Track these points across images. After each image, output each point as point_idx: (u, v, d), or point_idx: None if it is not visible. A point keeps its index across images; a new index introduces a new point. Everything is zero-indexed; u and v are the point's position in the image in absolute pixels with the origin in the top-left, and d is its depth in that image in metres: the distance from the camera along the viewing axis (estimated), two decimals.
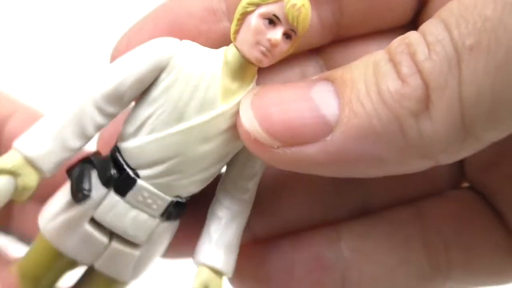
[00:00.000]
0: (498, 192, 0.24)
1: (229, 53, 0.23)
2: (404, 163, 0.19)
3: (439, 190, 0.26)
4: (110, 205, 0.22)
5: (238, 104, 0.22)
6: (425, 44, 0.17)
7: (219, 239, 0.24)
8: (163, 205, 0.23)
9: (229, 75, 0.23)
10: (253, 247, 0.26)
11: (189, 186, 0.23)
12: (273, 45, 0.22)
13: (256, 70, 0.23)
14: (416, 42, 0.18)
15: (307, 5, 0.22)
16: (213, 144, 0.22)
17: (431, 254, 0.24)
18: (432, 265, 0.24)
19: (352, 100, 0.18)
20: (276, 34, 0.22)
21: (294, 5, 0.22)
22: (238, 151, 0.24)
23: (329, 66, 0.26)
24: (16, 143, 0.21)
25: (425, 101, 0.17)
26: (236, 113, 0.22)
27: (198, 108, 0.22)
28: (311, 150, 0.19)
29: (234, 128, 0.22)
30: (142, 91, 0.23)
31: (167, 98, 0.22)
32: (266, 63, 0.22)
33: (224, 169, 0.25)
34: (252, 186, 0.24)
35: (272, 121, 0.19)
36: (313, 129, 0.19)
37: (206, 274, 0.23)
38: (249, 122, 0.20)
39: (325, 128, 0.19)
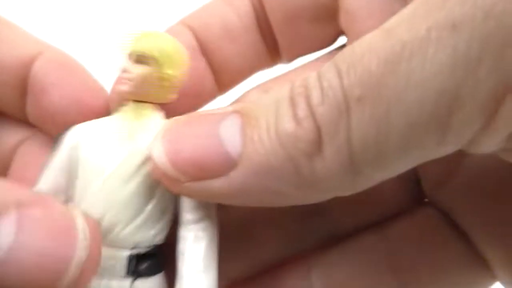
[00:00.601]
0: (454, 206, 0.25)
1: (123, 108, 0.24)
2: (303, 197, 0.20)
3: (403, 209, 0.26)
4: None
5: (147, 136, 0.23)
6: (320, 88, 0.18)
7: (189, 269, 0.23)
8: (123, 262, 0.23)
9: (132, 120, 0.24)
10: None
11: (136, 233, 0.23)
12: (124, 72, 0.24)
13: (158, 106, 0.25)
14: (312, 86, 0.19)
15: (152, 32, 0.24)
16: (135, 181, 0.23)
17: (399, 276, 0.25)
18: (401, 286, 0.25)
19: (254, 138, 0.19)
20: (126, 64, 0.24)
21: (138, 38, 0.24)
22: None
23: None
24: None
25: (318, 144, 0.18)
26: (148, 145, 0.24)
27: (111, 159, 0.23)
28: (216, 184, 0.20)
29: (149, 160, 0.23)
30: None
31: (86, 165, 0.23)
32: (124, 89, 0.24)
33: None
34: (202, 212, 0.24)
35: (180, 157, 0.20)
36: (217, 165, 0.20)
37: None
38: (158, 156, 0.21)
39: (229, 164, 0.20)
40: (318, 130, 0.18)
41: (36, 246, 0.19)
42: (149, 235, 0.24)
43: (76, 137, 0.24)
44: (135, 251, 0.23)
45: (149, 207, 0.24)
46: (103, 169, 0.23)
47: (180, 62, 0.25)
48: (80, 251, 0.20)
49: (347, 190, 0.19)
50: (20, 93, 0.25)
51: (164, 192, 0.24)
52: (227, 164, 0.20)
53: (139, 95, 0.24)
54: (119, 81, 0.24)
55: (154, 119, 0.24)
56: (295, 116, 0.18)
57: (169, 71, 0.24)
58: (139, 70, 0.24)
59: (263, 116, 0.19)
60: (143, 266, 0.24)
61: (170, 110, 0.25)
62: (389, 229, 0.26)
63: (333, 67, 0.18)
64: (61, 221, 0.20)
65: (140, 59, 0.24)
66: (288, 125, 0.18)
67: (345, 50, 0.18)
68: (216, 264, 0.24)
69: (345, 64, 0.18)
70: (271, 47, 0.28)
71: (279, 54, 0.28)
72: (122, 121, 0.24)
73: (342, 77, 0.18)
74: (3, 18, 0.27)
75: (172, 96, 0.25)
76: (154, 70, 0.24)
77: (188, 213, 0.24)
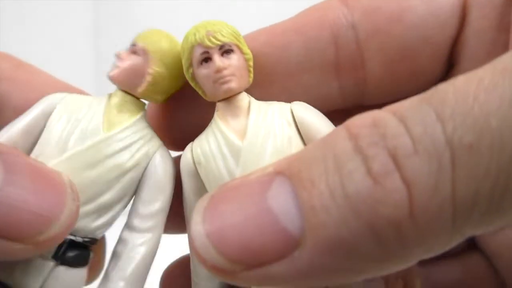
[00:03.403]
0: (500, 256, 0.24)
1: (112, 94, 0.25)
2: (383, 270, 0.17)
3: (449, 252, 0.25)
4: None
5: (124, 131, 0.24)
6: (408, 135, 0.15)
7: (116, 274, 0.24)
8: None
9: (113, 109, 0.25)
10: None
11: (82, 219, 0.23)
12: (117, 57, 0.25)
13: (143, 105, 0.26)
14: (395, 132, 0.15)
15: (153, 30, 0.25)
16: (99, 169, 0.23)
17: None
18: None
19: (315, 207, 0.16)
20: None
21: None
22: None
23: None
24: None
25: (408, 205, 0.15)
26: (122, 140, 0.24)
27: (81, 138, 0.23)
28: (278, 269, 0.16)
29: (119, 154, 0.24)
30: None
31: (51, 134, 0.23)
32: (111, 74, 0.25)
33: None
34: (151, 223, 0.24)
35: (229, 244, 0.17)
36: (276, 247, 0.16)
37: None
38: (202, 248, 0.17)
39: (290, 244, 0.16)
40: (408, 187, 0.15)
41: (28, 187, 0.18)
42: (91, 227, 0.23)
43: (52, 105, 0.24)
44: (70, 237, 0.23)
45: (103, 198, 0.23)
46: (66, 145, 0.23)
47: (173, 64, 0.25)
48: (71, 202, 0.20)
49: (436, 252, 0.16)
50: None
51: (122, 189, 0.24)
52: (288, 244, 0.16)
53: (127, 86, 0.25)
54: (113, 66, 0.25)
55: (135, 120, 0.25)
56: (369, 172, 0.15)
57: (156, 68, 0.25)
58: (131, 59, 0.25)
59: (320, 176, 0.16)
60: (71, 254, 0.23)
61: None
62: (434, 272, 0.25)
63: (429, 109, 0.15)
64: (46, 170, 0.20)
65: (135, 50, 0.25)
66: (361, 185, 0.15)
67: (441, 88, 0.16)
68: (145, 277, 0.24)
69: (448, 107, 0.15)
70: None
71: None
72: (104, 108, 0.24)
73: (445, 121, 0.15)
74: (21, 61, 0.28)
75: (159, 98, 0.26)
76: (145, 62, 0.24)
77: (137, 219, 0.24)
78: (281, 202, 0.16)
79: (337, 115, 0.26)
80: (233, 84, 0.24)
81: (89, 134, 0.23)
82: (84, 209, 0.23)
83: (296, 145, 0.24)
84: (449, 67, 0.26)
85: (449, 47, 0.25)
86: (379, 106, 0.26)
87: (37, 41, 0.75)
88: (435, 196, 0.14)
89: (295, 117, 0.25)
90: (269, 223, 0.16)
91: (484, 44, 0.24)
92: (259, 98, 0.26)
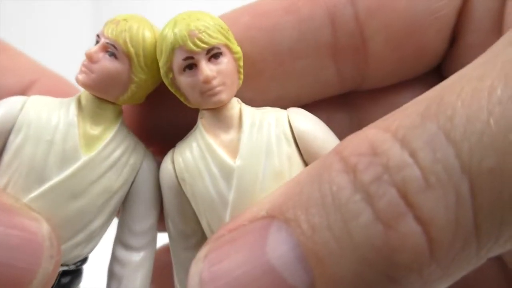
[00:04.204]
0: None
1: (82, 97, 0.21)
2: None
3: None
4: None
5: (106, 147, 0.21)
6: (417, 165, 0.13)
7: None
8: None
9: (88, 120, 0.21)
10: None
11: (73, 250, 0.21)
12: (88, 58, 0.21)
13: (120, 110, 0.22)
14: (400, 162, 0.13)
15: (133, 21, 0.21)
16: (85, 197, 0.20)
17: None
18: None
19: (322, 259, 0.13)
20: (92, 48, 0.21)
21: (113, 20, 0.21)
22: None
23: (358, 115, 0.24)
24: None
25: (427, 249, 0.12)
26: (106, 159, 0.21)
27: (59, 164, 0.20)
28: None
29: (105, 176, 0.21)
30: None
31: (20, 161, 0.20)
32: (81, 79, 0.21)
33: None
34: (145, 240, 0.23)
35: None
36: None
37: None
38: None
39: None
40: (424, 228, 0.13)
41: None
42: (83, 253, 0.21)
43: (10, 118, 0.20)
44: (62, 268, 0.21)
45: (93, 225, 0.21)
46: (43, 174, 0.20)
47: (156, 64, 0.21)
48: (48, 261, 0.17)
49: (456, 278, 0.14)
50: None
51: (112, 211, 0.22)
52: None
53: (105, 94, 0.21)
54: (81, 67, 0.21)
55: (115, 131, 0.21)
56: (378, 215, 0.13)
57: (141, 75, 0.21)
58: (109, 64, 0.20)
59: (319, 220, 0.14)
60: (65, 281, 0.22)
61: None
62: None
63: (435, 128, 0.13)
64: (21, 219, 0.18)
65: (114, 53, 0.21)
66: (371, 232, 0.13)
67: (448, 101, 0.13)
68: None
69: (459, 125, 0.12)
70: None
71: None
72: (77, 120, 0.21)
73: (457, 142, 0.12)
74: (4, 44, 0.26)
75: (139, 101, 0.22)
76: (127, 69, 0.21)
77: (131, 237, 0.22)
78: (283, 256, 0.14)
79: (332, 102, 0.24)
80: (224, 96, 0.21)
81: (67, 158, 0.20)
82: (74, 240, 0.21)
83: (297, 165, 0.21)
84: (451, 43, 0.24)
85: (455, 20, 0.23)
86: (379, 90, 0.24)
87: (37, 41, 0.73)
88: (457, 233, 0.12)
89: (294, 130, 0.21)
90: (274, 284, 0.14)
91: (489, 13, 0.22)
92: (245, 92, 0.23)
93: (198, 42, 0.20)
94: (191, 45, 0.20)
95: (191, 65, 0.20)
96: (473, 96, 0.13)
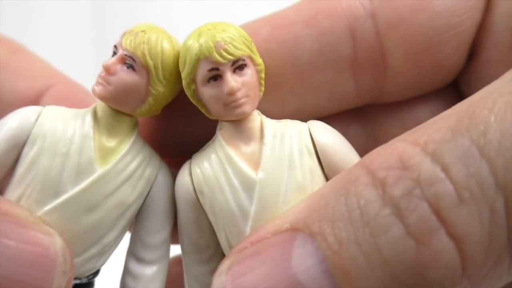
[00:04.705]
0: None
1: (98, 109, 0.21)
2: None
3: None
4: None
5: (122, 160, 0.20)
6: (450, 180, 0.12)
7: None
8: None
9: (104, 132, 0.20)
10: None
11: (86, 264, 0.20)
12: (105, 70, 0.20)
13: (136, 122, 0.22)
14: (432, 177, 0.12)
15: (152, 32, 0.20)
16: (99, 211, 0.20)
17: None
18: None
19: (349, 274, 0.13)
20: (109, 59, 0.21)
21: (131, 31, 0.21)
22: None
23: (373, 129, 0.24)
24: None
25: (460, 265, 0.12)
26: (122, 172, 0.20)
27: (74, 177, 0.19)
28: None
29: (121, 189, 0.20)
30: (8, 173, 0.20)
31: (35, 173, 0.19)
32: (98, 91, 0.20)
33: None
34: (159, 253, 0.22)
35: None
36: None
37: None
38: None
39: None
40: (457, 244, 0.12)
41: (10, 274, 0.16)
42: (96, 266, 0.21)
43: (25, 129, 0.20)
44: (75, 282, 0.21)
45: (107, 239, 0.20)
46: (58, 187, 0.19)
47: (175, 76, 0.21)
48: (61, 277, 0.17)
49: None
50: None
51: (126, 224, 0.21)
52: None
53: (122, 107, 0.21)
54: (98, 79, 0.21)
55: (131, 143, 0.21)
56: (409, 230, 0.12)
57: (159, 88, 0.21)
58: (127, 76, 0.20)
59: (346, 234, 0.13)
60: None
61: None
62: None
63: (467, 143, 0.12)
64: (36, 234, 0.17)
65: (132, 65, 0.20)
66: (401, 247, 0.12)
67: (481, 116, 0.13)
68: None
69: (493, 140, 0.12)
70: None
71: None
72: (93, 132, 0.20)
73: (491, 158, 0.12)
74: (20, 47, 0.25)
75: (156, 113, 0.22)
76: (145, 81, 0.20)
77: (144, 251, 0.22)
78: (309, 270, 0.14)
79: (348, 115, 0.23)
80: (247, 108, 0.21)
81: (82, 171, 0.20)
82: (87, 254, 0.20)
83: (318, 178, 0.21)
84: (469, 58, 0.24)
85: (474, 35, 0.23)
86: (395, 103, 0.23)
87: (37, 41, 0.72)
88: (490, 250, 0.12)
89: (316, 143, 0.21)
90: None
91: (510, 29, 0.22)
92: (263, 103, 0.23)
93: (224, 54, 0.20)
94: (217, 56, 0.20)
95: (215, 76, 0.20)
96: (506, 111, 0.13)
